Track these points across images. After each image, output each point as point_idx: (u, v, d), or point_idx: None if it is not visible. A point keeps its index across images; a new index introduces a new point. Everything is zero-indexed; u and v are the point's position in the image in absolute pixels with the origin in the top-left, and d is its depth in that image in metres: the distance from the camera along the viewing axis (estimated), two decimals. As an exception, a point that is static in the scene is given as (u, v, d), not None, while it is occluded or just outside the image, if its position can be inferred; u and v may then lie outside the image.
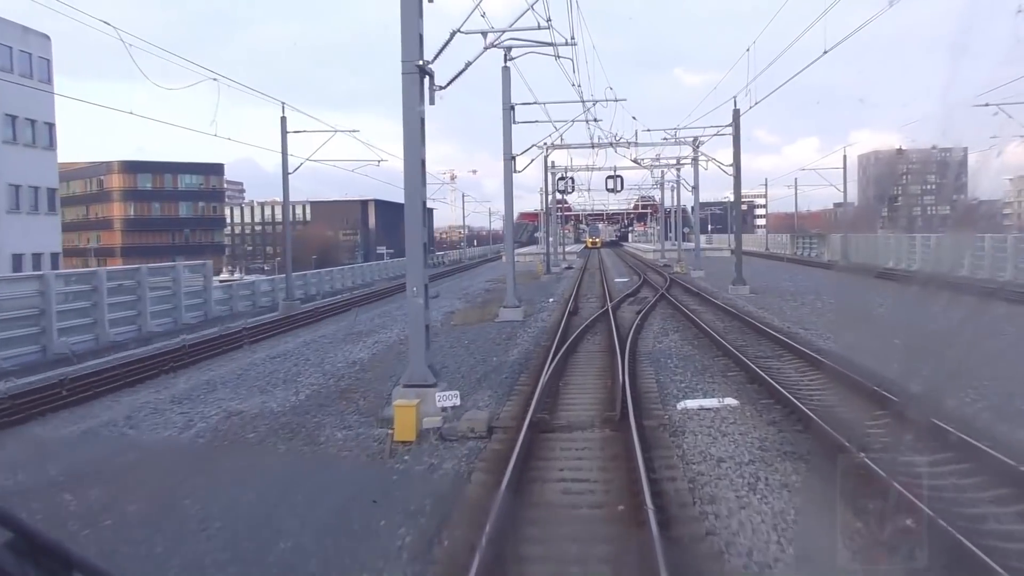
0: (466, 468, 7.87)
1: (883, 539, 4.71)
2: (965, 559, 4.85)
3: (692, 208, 53.34)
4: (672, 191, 64.48)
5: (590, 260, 65.17)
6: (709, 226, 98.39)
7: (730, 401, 10.10)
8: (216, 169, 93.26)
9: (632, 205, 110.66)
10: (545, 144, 23.50)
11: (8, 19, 33.74)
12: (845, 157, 53.63)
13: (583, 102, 22.63)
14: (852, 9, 15.48)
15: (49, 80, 35.13)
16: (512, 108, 22.63)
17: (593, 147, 29.34)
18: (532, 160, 23.51)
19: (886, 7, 13.33)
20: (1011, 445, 7.26)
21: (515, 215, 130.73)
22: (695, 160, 39.74)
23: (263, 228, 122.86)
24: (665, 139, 31.17)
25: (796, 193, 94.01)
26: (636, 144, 33.57)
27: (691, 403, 10.14)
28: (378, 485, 7.63)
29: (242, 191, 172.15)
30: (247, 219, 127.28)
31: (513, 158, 22.76)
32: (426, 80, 11.18)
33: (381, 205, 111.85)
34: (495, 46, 12.78)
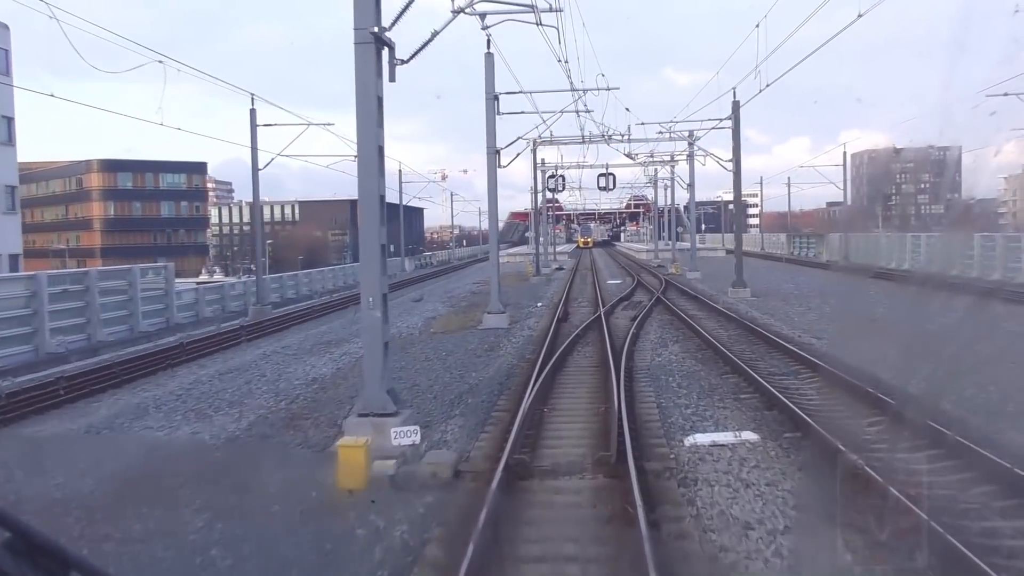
0: (419, 536, 6.12)
1: None
2: None
3: (685, 207, 51.72)
4: (665, 189, 62.96)
5: (582, 260, 63.48)
6: (703, 225, 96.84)
7: (748, 436, 8.38)
8: (199, 168, 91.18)
9: (624, 204, 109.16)
10: (533, 139, 21.68)
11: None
12: (845, 154, 52.06)
13: (573, 91, 20.94)
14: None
15: (7, 72, 33.16)
16: (496, 98, 20.89)
17: (584, 141, 27.61)
18: (518, 154, 21.81)
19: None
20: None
21: (506, 215, 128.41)
22: (691, 156, 38.08)
23: (252, 228, 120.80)
24: (660, 133, 29.56)
25: (789, 192, 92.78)
26: (629, 140, 31.87)
27: (702, 438, 8.42)
28: (304, 562, 5.87)
29: (231, 191, 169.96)
30: (235, 219, 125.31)
31: (497, 152, 21.02)
32: (384, 52, 9.44)
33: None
34: (466, 12, 11.04)
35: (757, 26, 18.59)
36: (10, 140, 34.65)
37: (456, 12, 10.50)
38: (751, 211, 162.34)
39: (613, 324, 19.34)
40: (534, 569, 5.45)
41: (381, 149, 9.43)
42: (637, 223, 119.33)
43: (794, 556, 5.37)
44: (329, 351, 17.34)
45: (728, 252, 70.78)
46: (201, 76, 50.28)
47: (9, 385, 12.91)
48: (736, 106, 26.30)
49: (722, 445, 8.14)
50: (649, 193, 72.14)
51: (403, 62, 9.83)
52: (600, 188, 46.63)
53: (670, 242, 70.15)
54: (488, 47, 20.48)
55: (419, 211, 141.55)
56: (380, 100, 9.33)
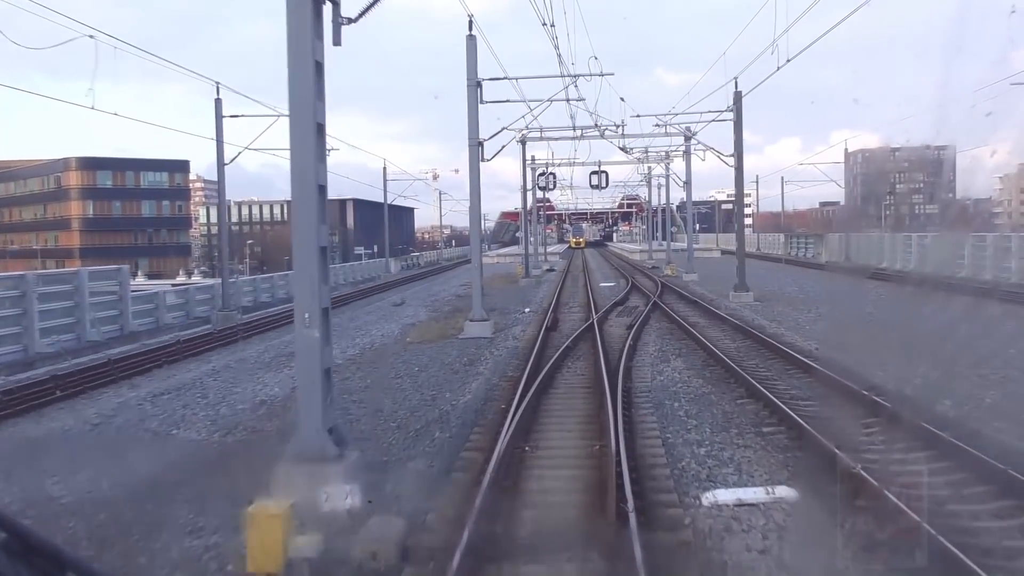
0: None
1: None
2: None
3: (678, 207, 50.09)
4: (659, 189, 61.22)
5: (573, 261, 61.70)
6: (696, 225, 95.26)
7: (784, 492, 6.56)
8: (181, 166, 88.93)
9: (617, 204, 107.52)
10: (520, 129, 19.83)
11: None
12: (847, 150, 50.41)
13: (563, 77, 19.10)
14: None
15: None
16: (479, 84, 19.03)
17: (575, 131, 25.71)
18: (503, 146, 19.96)
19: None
20: None
21: (498, 214, 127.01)
22: (687, 152, 36.34)
23: (240, 228, 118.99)
24: (657, 125, 27.76)
25: (783, 192, 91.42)
26: (624, 135, 30.03)
27: (724, 495, 6.60)
28: None
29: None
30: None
31: (480, 144, 19.16)
32: (326, 8, 7.60)
33: (360, 204, 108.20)
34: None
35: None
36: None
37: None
38: (744, 211, 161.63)
39: (607, 333, 17.54)
40: None
41: (321, 128, 7.57)
42: (630, 223, 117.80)
43: None
44: (289, 365, 15.39)
45: (724, 253, 69.22)
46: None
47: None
48: (738, 96, 24.53)
49: (751, 505, 6.32)
50: (642, 192, 70.52)
51: (350, 21, 7.98)
52: (592, 186, 44.81)
53: (664, 242, 68.50)
54: (470, 29, 18.70)
55: (409, 211, 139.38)
56: (320, 66, 7.46)
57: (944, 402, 9.48)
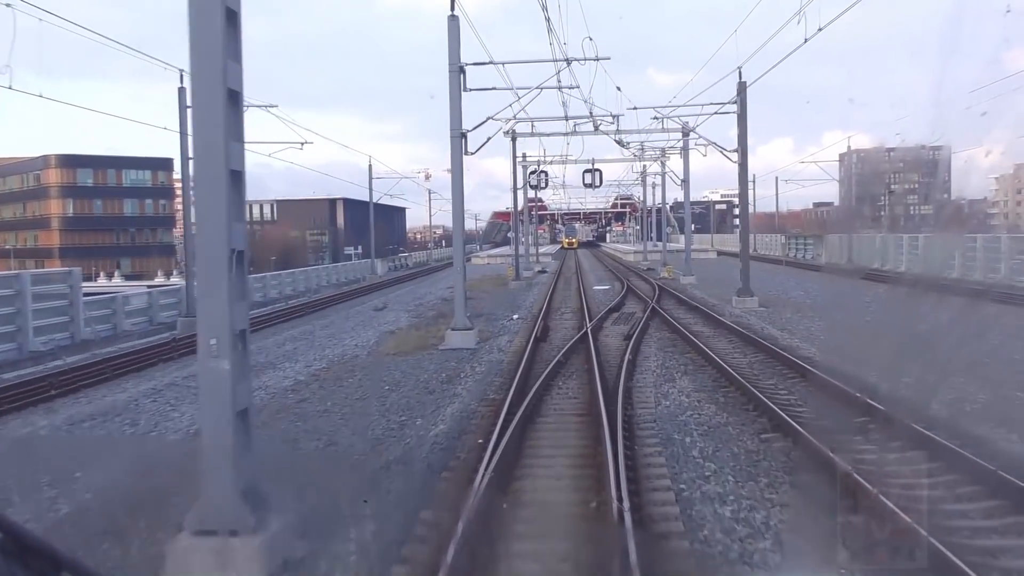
0: None
1: None
2: None
3: (671, 207, 48.47)
4: (654, 188, 59.58)
5: (566, 262, 60.01)
6: (691, 226, 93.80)
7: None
8: (165, 164, 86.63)
9: (610, 204, 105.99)
10: (508, 119, 18.07)
11: None
12: (849, 147, 48.83)
13: (555, 62, 17.35)
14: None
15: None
16: (462, 70, 17.29)
17: (567, 121, 23.96)
18: (489, 138, 18.25)
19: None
20: None
21: (490, 214, 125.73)
22: (685, 149, 34.70)
23: (184, 226, 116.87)
24: (656, 118, 26.08)
25: (777, 192, 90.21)
26: (619, 130, 28.29)
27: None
28: None
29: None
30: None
31: (463, 135, 17.41)
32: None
33: (351, 204, 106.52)
34: None
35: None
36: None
37: None
38: (737, 211, 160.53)
39: (603, 345, 15.84)
40: None
41: (235, 96, 5.84)
42: (623, 223, 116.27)
43: None
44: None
45: (720, 254, 67.61)
46: (149, 60, 46.23)
47: None
48: (742, 87, 22.87)
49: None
50: (636, 191, 68.91)
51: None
52: (586, 185, 43.15)
53: (658, 243, 66.84)
54: (452, 8, 16.96)
55: (401, 211, 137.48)
56: (232, 15, 5.72)
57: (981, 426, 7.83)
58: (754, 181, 71.78)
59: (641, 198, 68.15)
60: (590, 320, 19.19)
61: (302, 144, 24.86)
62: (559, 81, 18.54)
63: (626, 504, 6.16)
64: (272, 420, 10.25)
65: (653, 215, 65.45)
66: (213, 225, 5.63)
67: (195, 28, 5.58)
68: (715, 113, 23.89)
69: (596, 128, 22.46)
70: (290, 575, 5.47)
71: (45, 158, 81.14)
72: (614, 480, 6.62)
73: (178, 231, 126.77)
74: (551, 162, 43.32)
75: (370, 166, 50.96)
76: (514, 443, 8.37)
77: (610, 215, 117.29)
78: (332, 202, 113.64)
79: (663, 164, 43.05)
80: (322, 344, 18.59)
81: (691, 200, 75.22)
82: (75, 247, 78.70)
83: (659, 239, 66.21)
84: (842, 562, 5.24)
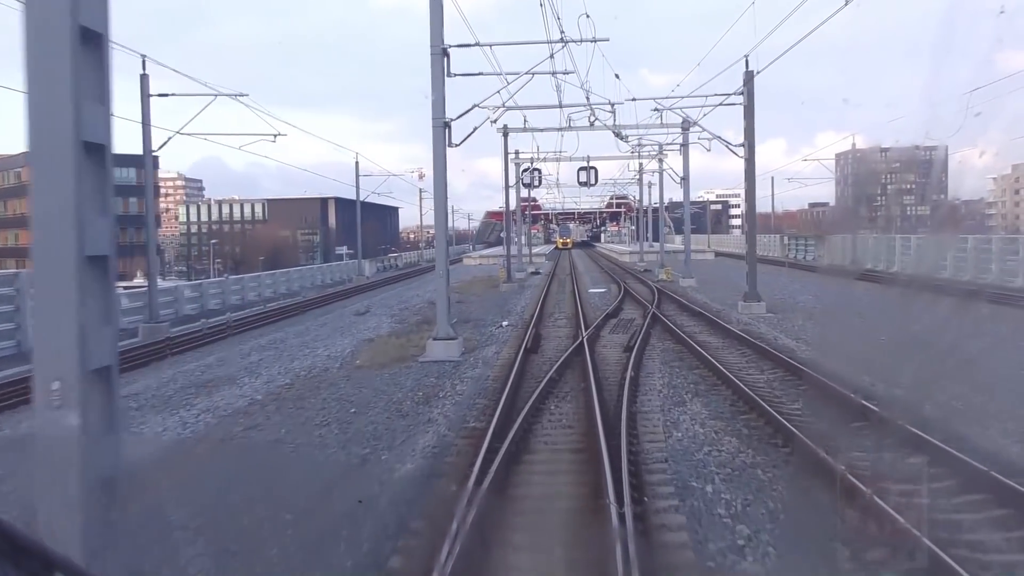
0: None
1: None
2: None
3: (667, 207, 46.87)
4: (650, 187, 58.01)
5: (560, 263, 58.40)
6: (682, 227, 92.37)
7: None
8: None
9: (605, 204, 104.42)
10: (496, 108, 16.39)
11: None
12: (853, 144, 47.38)
13: (549, 44, 15.68)
14: None
15: None
16: (445, 52, 15.63)
17: (561, 110, 22.27)
18: (475, 128, 16.54)
19: None
20: None
21: (483, 214, 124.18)
22: (685, 145, 33.11)
23: (220, 227, 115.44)
24: (657, 109, 24.45)
25: (773, 192, 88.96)
26: (616, 124, 26.65)
27: None
28: None
29: (201, 189, 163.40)
30: (204, 217, 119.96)
31: (447, 125, 15.74)
32: None
33: (343, 203, 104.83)
34: None
35: None
36: None
37: None
38: (732, 211, 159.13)
39: (600, 357, 14.21)
40: None
41: (95, 37, 4.15)
42: (618, 223, 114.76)
43: None
44: (194, 401, 11.97)
45: (717, 255, 66.08)
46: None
47: None
48: (750, 77, 21.27)
49: None
50: (632, 191, 67.31)
51: None
52: (580, 183, 41.39)
53: (654, 243, 65.20)
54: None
55: (394, 210, 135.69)
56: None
57: None
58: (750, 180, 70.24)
59: (637, 197, 66.57)
60: (586, 328, 17.57)
61: (275, 136, 23.24)
62: (553, 65, 16.89)
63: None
64: (207, 457, 8.58)
65: (649, 215, 63.92)
66: (56, 220, 3.96)
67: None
68: (720, 105, 22.34)
69: (592, 117, 20.81)
70: None
71: (26, 155, 78.99)
72: (622, 561, 4.98)
73: (164, 231, 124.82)
74: (545, 159, 41.66)
75: (356, 163, 49.19)
76: (495, 492, 6.74)
77: (605, 215, 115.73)
78: (324, 201, 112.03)
79: (661, 162, 41.48)
80: (292, 354, 16.92)
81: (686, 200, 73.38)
82: (56, 246, 76.58)
83: (656, 239, 64.70)
84: None
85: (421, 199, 78.43)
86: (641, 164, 48.33)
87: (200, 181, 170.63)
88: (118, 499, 4.25)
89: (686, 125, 31.34)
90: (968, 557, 5.27)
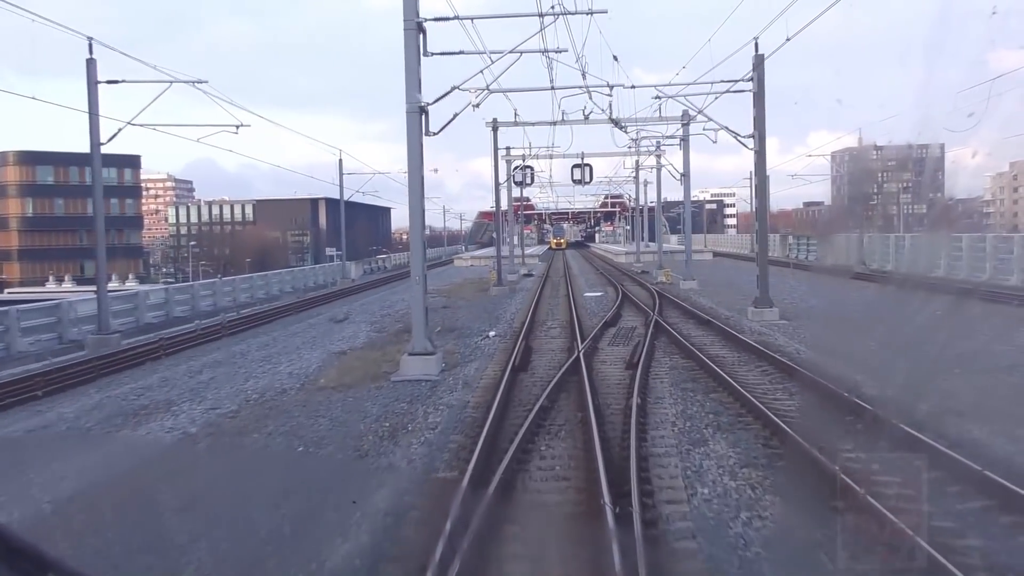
0: None
1: None
2: None
3: (658, 204, 44.91)
4: (646, 185, 56.16)
5: (554, 264, 56.49)
6: (678, 226, 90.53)
7: None
8: (132, 161, 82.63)
9: (600, 203, 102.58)
10: (478, 89, 14.41)
11: None
12: (860, 138, 45.61)
13: (540, 16, 13.68)
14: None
15: None
16: (421, 27, 13.67)
17: (553, 92, 20.26)
18: (456, 115, 14.54)
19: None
20: None
21: (476, 215, 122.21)
22: (685, 140, 31.24)
23: (210, 228, 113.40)
24: (658, 97, 22.53)
25: (769, 191, 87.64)
26: (613, 117, 24.69)
27: None
28: None
29: (191, 190, 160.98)
30: (193, 219, 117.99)
31: (423, 110, 13.77)
32: None
33: (333, 204, 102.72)
34: None
35: None
36: None
37: None
38: (727, 211, 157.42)
39: (600, 377, 12.29)
40: None
41: None
42: (612, 223, 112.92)
43: None
44: (103, 442, 9.94)
45: (715, 255, 64.19)
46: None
47: None
48: (759, 60, 19.38)
49: None
50: (628, 189, 65.44)
51: None
52: (575, 181, 39.49)
53: (650, 244, 63.26)
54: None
55: (386, 211, 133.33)
56: None
57: None
58: (751, 178, 68.50)
59: (632, 196, 64.70)
60: (582, 339, 15.65)
61: (237, 127, 21.20)
62: (543, 41, 14.91)
63: None
64: (68, 538, 6.50)
65: (645, 214, 62.05)
66: None
67: None
68: (726, 92, 20.39)
69: (588, 103, 18.78)
70: None
71: (3, 155, 76.80)
72: None
73: (152, 232, 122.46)
74: (537, 156, 39.71)
75: (340, 160, 47.16)
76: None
77: (599, 215, 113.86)
78: (314, 202, 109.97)
79: (658, 159, 39.59)
80: (249, 371, 14.93)
81: (678, 200, 71.66)
82: (35, 249, 74.54)
83: (652, 239, 62.81)
84: None
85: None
86: (637, 162, 46.48)
87: (190, 182, 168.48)
88: None
89: (687, 118, 29.47)
90: None
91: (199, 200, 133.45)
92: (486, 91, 14.55)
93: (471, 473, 7.21)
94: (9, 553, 1.28)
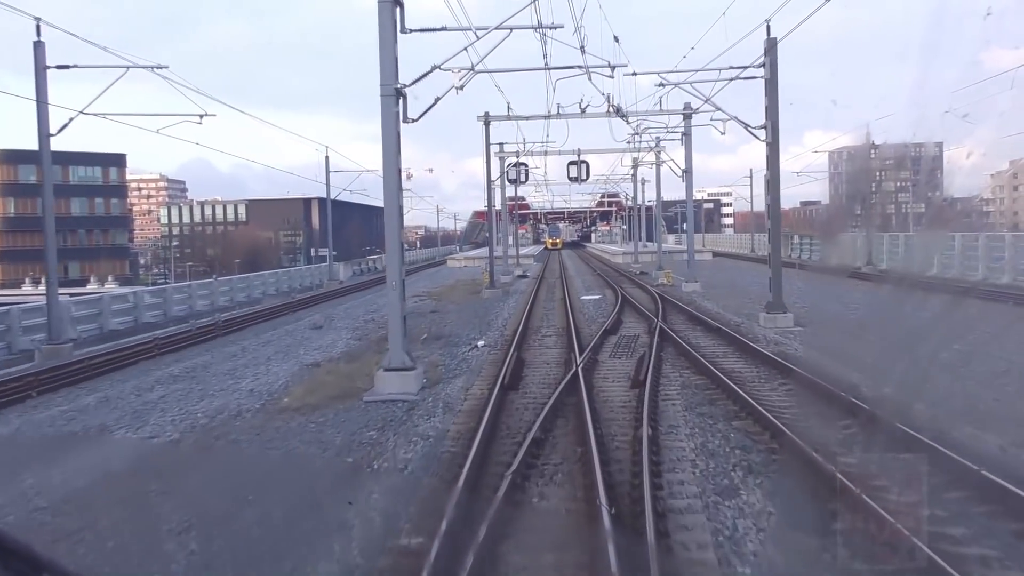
0: None
1: None
2: None
3: (657, 201, 43.27)
4: (644, 183, 54.55)
5: (549, 265, 54.87)
6: (676, 225, 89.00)
7: None
8: (117, 160, 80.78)
9: (596, 203, 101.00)
10: (462, 69, 12.76)
11: None
12: (868, 134, 43.97)
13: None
14: None
15: None
16: (397, 1, 12.02)
17: (548, 72, 18.50)
18: (438, 99, 12.90)
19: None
20: None
21: (470, 214, 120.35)
22: (687, 134, 29.65)
23: (202, 228, 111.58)
24: (661, 84, 20.83)
25: (766, 190, 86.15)
26: (612, 107, 23.05)
27: None
28: None
29: (184, 190, 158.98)
30: (186, 219, 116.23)
31: (400, 93, 12.12)
32: None
33: (326, 204, 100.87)
34: None
35: None
36: None
37: None
38: (724, 210, 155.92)
39: (602, 398, 10.67)
40: None
41: None
42: (609, 223, 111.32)
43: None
44: (29, 467, 8.28)
45: (715, 255, 62.60)
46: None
47: None
48: (772, 44, 17.79)
49: None
50: (625, 188, 63.84)
51: None
52: (571, 179, 37.85)
53: (648, 244, 61.69)
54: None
55: (380, 211, 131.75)
56: None
57: None
58: (751, 176, 67.04)
59: (629, 195, 63.10)
60: (580, 351, 14.03)
61: (200, 117, 19.43)
62: (536, 15, 13.26)
63: None
64: None
65: (642, 212, 60.48)
66: None
67: None
68: (735, 79, 18.78)
69: (588, 76, 17.07)
70: None
71: (-16, 154, 74.82)
72: None
73: (144, 232, 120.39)
74: (531, 152, 38.05)
75: (327, 158, 45.54)
76: None
77: (595, 214, 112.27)
78: (307, 202, 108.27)
79: (658, 155, 38.00)
80: (207, 388, 13.27)
81: (676, 199, 69.75)
82: (16, 249, 72.55)
83: (650, 239, 61.26)
84: None
85: (404, 199, 74.67)
86: (635, 159, 44.85)
87: (183, 183, 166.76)
88: None
89: (688, 111, 27.89)
90: None
91: (192, 200, 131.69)
92: (471, 71, 12.90)
93: (441, 539, 5.58)
94: (4, 554, 1.26)
